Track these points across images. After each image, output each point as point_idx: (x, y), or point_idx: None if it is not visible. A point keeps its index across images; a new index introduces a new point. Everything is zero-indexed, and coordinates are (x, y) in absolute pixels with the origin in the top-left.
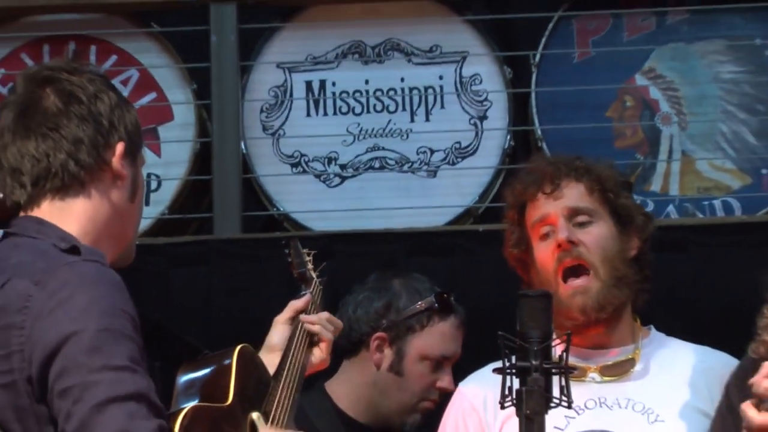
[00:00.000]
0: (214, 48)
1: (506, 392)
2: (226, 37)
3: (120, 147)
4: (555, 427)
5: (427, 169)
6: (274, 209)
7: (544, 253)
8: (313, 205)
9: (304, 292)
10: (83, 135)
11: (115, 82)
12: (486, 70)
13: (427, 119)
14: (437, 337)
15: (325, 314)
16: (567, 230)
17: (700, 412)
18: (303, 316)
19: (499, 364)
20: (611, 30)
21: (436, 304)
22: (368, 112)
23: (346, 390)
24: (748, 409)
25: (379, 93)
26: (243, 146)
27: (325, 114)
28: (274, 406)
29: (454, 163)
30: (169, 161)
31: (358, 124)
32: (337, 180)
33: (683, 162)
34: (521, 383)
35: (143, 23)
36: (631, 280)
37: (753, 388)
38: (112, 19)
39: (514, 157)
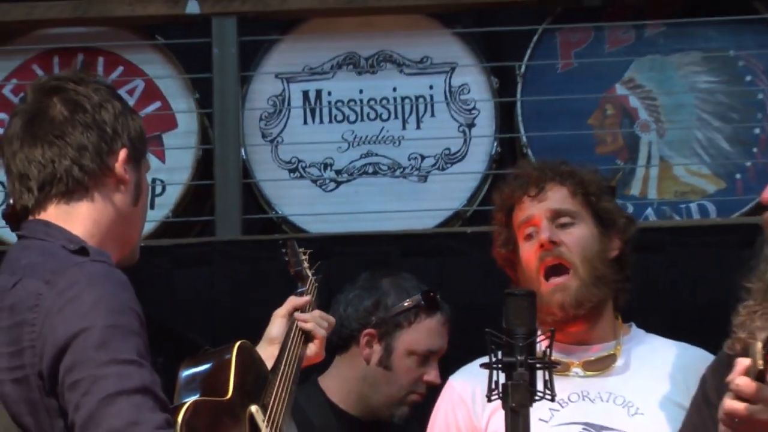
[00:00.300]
0: (216, 59)
1: (493, 386)
2: (227, 49)
3: (123, 153)
4: (540, 420)
5: (418, 174)
6: (273, 212)
7: (528, 253)
8: (310, 209)
9: (301, 290)
10: (87, 142)
11: (122, 91)
12: (474, 80)
13: (418, 127)
14: (424, 333)
15: (317, 312)
16: (549, 231)
17: (677, 405)
18: (297, 315)
19: (486, 359)
20: (593, 42)
21: (423, 302)
22: (362, 120)
23: (337, 384)
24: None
25: (372, 102)
26: (243, 153)
27: (321, 122)
28: (272, 399)
29: (443, 169)
30: (173, 167)
31: (353, 132)
32: (332, 185)
33: (661, 167)
34: (507, 377)
35: (148, 36)
36: (610, 279)
37: (730, 385)
38: (118, 32)
39: (500, 162)
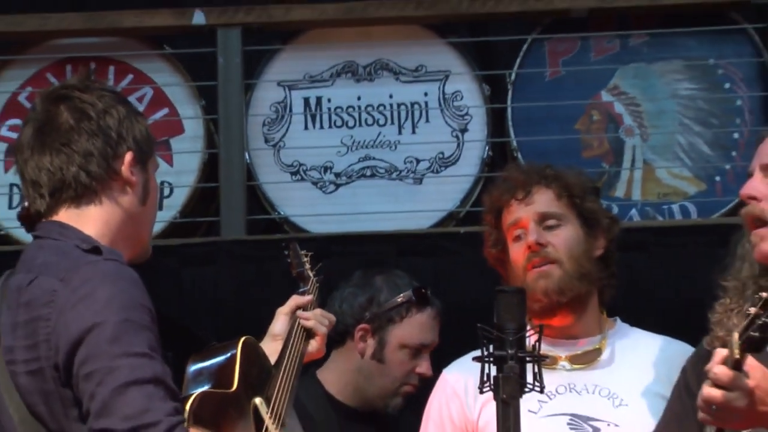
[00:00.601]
0: (221, 68)
1: (485, 378)
2: (232, 59)
3: (129, 156)
4: (529, 411)
5: (413, 176)
6: (276, 213)
7: (517, 253)
8: (311, 210)
9: (303, 289)
10: (93, 148)
11: (131, 99)
12: (467, 88)
13: (414, 132)
14: (415, 327)
15: (318, 310)
16: (536, 233)
17: (660, 396)
18: (299, 313)
19: (478, 353)
20: (579, 51)
21: (414, 298)
22: (360, 125)
23: (334, 376)
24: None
25: (370, 108)
26: (247, 156)
27: (321, 127)
28: (275, 391)
29: (438, 172)
30: (181, 170)
31: (351, 137)
32: (332, 187)
33: (644, 170)
34: (498, 370)
35: (157, 46)
36: (595, 276)
37: (709, 374)
38: (128, 42)
39: (492, 166)
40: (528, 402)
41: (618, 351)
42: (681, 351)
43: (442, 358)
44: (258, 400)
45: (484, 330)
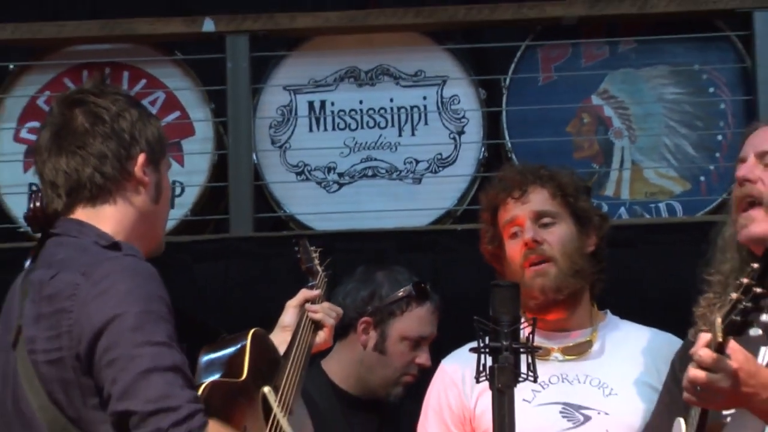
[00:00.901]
0: (230, 73)
1: (481, 369)
2: (240, 64)
3: (141, 158)
4: (523, 400)
5: (413, 176)
6: (282, 211)
7: (513, 250)
8: (315, 208)
9: (312, 283)
10: (107, 150)
11: (145, 102)
12: (463, 92)
13: (413, 134)
14: (415, 320)
15: (326, 303)
16: (532, 231)
17: (648, 386)
18: (308, 306)
19: (474, 344)
20: (571, 57)
21: (414, 292)
22: (362, 127)
23: (338, 367)
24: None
25: (371, 111)
26: (255, 157)
27: (325, 129)
28: (283, 381)
29: (436, 172)
30: (191, 170)
31: (354, 138)
32: (335, 186)
33: (633, 170)
34: (494, 361)
35: (169, 52)
36: (587, 272)
37: (693, 356)
38: (141, 49)
39: (488, 166)
40: (522, 391)
41: (608, 343)
42: (668, 342)
43: (440, 348)
44: (267, 389)
45: (480, 322)
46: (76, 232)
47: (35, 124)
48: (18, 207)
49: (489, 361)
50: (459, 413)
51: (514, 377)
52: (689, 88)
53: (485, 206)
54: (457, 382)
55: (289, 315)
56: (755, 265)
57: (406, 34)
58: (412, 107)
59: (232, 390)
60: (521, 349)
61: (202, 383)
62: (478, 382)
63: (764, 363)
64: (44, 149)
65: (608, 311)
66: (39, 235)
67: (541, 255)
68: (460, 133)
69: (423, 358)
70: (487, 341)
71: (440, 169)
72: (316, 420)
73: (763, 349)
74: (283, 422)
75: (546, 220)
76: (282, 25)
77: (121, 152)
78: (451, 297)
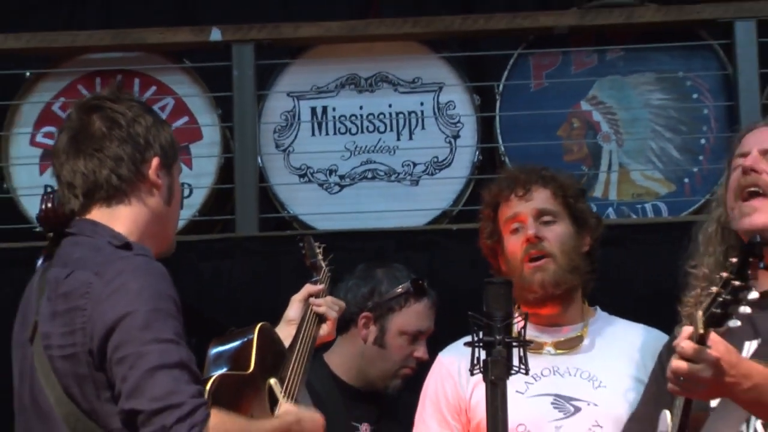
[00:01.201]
0: (236, 80)
1: (475, 362)
2: (246, 72)
3: (155, 161)
4: (516, 391)
5: (410, 179)
6: (285, 212)
7: (514, 245)
8: (317, 209)
9: (316, 278)
10: (123, 153)
11: (155, 108)
12: (459, 98)
13: (411, 138)
14: (413, 315)
15: (329, 297)
16: (534, 227)
17: (636, 379)
18: (312, 300)
19: (469, 338)
20: (561, 65)
21: (412, 289)
22: (362, 132)
23: (340, 359)
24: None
25: (371, 116)
26: (259, 160)
27: (327, 134)
28: (289, 372)
29: (432, 174)
30: (199, 173)
31: (354, 142)
32: (336, 188)
33: (620, 173)
34: (487, 354)
35: (178, 60)
36: (582, 270)
37: (676, 348)
38: (152, 57)
39: (482, 169)
40: (516, 383)
41: (598, 338)
42: (655, 338)
43: (437, 342)
44: (273, 381)
45: (475, 318)
46: (90, 232)
47: (51, 128)
48: (34, 208)
49: (483, 355)
50: (455, 404)
51: (507, 370)
52: (674, 95)
53: (487, 202)
54: (454, 374)
55: (293, 309)
56: (734, 260)
57: (404, 43)
58: (409, 112)
59: (240, 382)
60: (513, 343)
61: (211, 376)
62: (472, 374)
63: (748, 356)
64: (62, 152)
65: (598, 308)
66: (51, 234)
67: (541, 251)
68: (456, 137)
69: (421, 351)
70: (481, 335)
71: (436, 171)
72: (319, 409)
73: (747, 343)
74: None
75: (547, 218)
76: (286, 35)
77: (136, 156)
78: (447, 293)
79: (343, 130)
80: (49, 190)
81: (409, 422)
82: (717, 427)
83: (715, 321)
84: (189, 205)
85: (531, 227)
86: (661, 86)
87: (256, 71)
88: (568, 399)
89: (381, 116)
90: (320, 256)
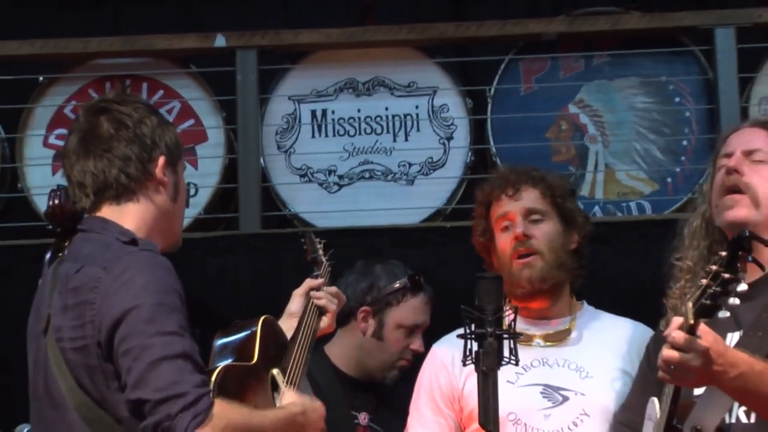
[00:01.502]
0: (239, 84)
1: (468, 353)
2: (249, 76)
3: (161, 160)
4: (507, 381)
5: (406, 178)
6: (287, 210)
7: (504, 242)
8: (317, 207)
9: (316, 273)
10: (131, 153)
11: (162, 111)
12: (452, 101)
13: (406, 139)
14: (410, 310)
15: (333, 289)
16: (523, 226)
17: (621, 370)
18: (312, 293)
19: (462, 330)
20: (550, 70)
21: (409, 284)
22: (360, 134)
23: (339, 351)
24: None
25: (368, 119)
26: (262, 161)
27: (326, 136)
28: (291, 363)
29: (427, 174)
30: (204, 173)
31: (352, 144)
32: (335, 187)
33: (606, 173)
34: (479, 346)
35: (184, 65)
36: (569, 267)
37: (667, 338)
38: (159, 62)
39: (474, 169)
40: (507, 374)
41: (585, 331)
42: (640, 331)
43: (431, 334)
44: (275, 371)
45: (467, 311)
46: (100, 229)
47: (62, 131)
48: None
49: (475, 346)
50: (448, 393)
51: (498, 361)
52: (657, 98)
53: (480, 201)
54: (447, 364)
55: (295, 303)
56: (723, 253)
57: (400, 49)
58: (405, 115)
59: (245, 372)
60: (504, 335)
61: (217, 366)
62: (465, 365)
63: (732, 345)
64: (72, 153)
65: (585, 302)
66: (58, 229)
67: (529, 248)
68: (449, 138)
69: (417, 344)
70: (473, 328)
71: (431, 171)
72: (319, 399)
73: (729, 334)
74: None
75: (535, 216)
76: (287, 41)
77: (143, 155)
78: (441, 288)
79: (341, 132)
80: (55, 187)
81: (405, 411)
82: (703, 414)
83: (705, 312)
84: (194, 204)
85: (519, 225)
86: (645, 90)
87: (259, 76)
88: (557, 389)
89: (378, 119)
90: (321, 252)
